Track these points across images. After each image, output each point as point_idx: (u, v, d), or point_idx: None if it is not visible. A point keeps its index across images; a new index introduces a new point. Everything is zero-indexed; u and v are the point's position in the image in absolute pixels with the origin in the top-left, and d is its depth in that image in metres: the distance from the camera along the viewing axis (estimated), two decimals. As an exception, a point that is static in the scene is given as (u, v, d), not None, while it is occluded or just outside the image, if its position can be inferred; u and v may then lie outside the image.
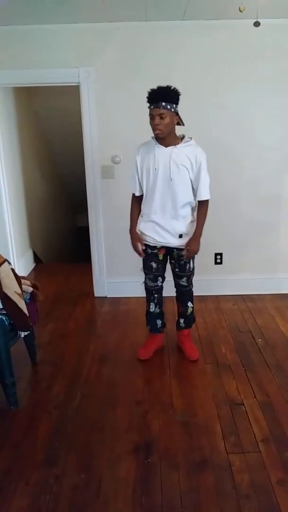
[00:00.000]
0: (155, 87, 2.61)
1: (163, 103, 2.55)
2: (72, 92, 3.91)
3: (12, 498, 1.93)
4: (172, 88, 2.59)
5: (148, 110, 2.63)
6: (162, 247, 2.90)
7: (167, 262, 3.00)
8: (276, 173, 3.88)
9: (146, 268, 2.98)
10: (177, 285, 3.04)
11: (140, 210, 2.94)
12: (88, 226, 4.09)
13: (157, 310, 3.09)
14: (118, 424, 2.41)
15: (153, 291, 3.04)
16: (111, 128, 3.75)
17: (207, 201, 2.81)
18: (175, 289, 3.08)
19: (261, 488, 1.95)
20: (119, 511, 1.86)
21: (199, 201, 2.81)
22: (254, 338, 3.33)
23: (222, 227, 4.00)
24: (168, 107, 2.57)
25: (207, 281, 3.96)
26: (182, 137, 2.75)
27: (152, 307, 3.08)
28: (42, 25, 3.48)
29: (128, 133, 3.67)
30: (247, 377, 2.82)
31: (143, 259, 2.98)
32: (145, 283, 3.04)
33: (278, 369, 2.89)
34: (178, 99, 2.62)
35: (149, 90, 2.61)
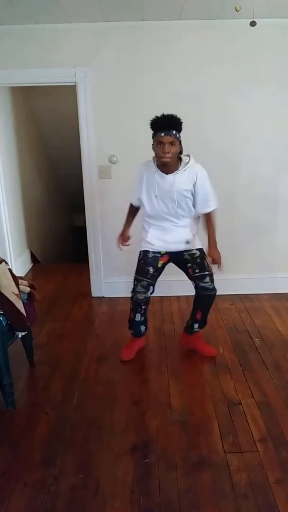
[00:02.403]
0: (160, 115, 2.60)
1: (174, 131, 2.56)
2: (69, 92, 3.91)
3: (10, 499, 1.93)
4: (178, 117, 2.60)
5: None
6: (166, 253, 2.89)
7: (161, 273, 2.95)
8: (272, 173, 3.89)
9: (142, 273, 2.87)
10: (202, 289, 2.92)
11: (134, 216, 3.05)
12: (85, 226, 4.08)
13: (142, 318, 3.04)
14: (116, 424, 2.41)
15: (142, 303, 2.94)
16: (108, 128, 3.75)
17: (214, 211, 2.87)
18: (196, 296, 3.01)
19: (259, 487, 1.95)
20: (117, 511, 1.86)
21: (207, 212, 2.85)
22: (251, 338, 3.33)
23: (219, 227, 3.94)
24: (178, 135, 2.59)
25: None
26: (180, 158, 2.74)
27: (138, 317, 3.01)
28: (39, 25, 3.48)
29: (125, 133, 3.67)
30: (244, 376, 2.83)
31: (140, 264, 2.90)
32: (135, 295, 2.91)
33: (276, 369, 2.90)
34: (181, 128, 2.63)
35: (156, 118, 2.60)
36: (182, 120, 2.61)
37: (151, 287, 2.91)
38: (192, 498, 1.91)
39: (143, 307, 2.99)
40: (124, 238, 3.06)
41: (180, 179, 2.70)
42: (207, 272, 2.90)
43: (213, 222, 2.89)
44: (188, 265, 2.91)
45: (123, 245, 3.06)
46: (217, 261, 2.86)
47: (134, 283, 2.92)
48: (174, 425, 2.39)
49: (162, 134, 2.55)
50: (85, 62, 3.60)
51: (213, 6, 3.20)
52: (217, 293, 4.06)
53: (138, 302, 2.93)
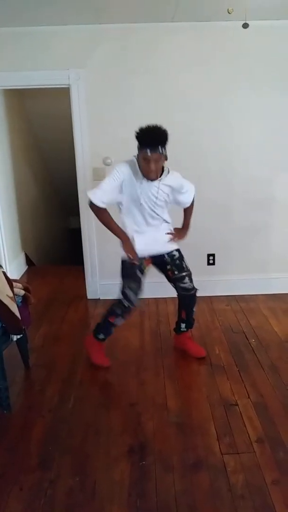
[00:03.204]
0: (145, 127, 2.52)
1: (161, 148, 2.52)
2: (62, 94, 3.90)
3: (7, 503, 1.91)
4: (164, 129, 2.53)
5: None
6: (150, 257, 2.90)
7: (145, 278, 2.91)
8: (267, 175, 3.90)
9: (132, 278, 2.80)
10: (182, 290, 2.93)
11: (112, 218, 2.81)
12: (80, 228, 4.08)
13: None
14: (112, 426, 2.40)
15: (130, 312, 2.86)
16: (102, 130, 3.75)
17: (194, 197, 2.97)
18: (179, 298, 3.03)
19: (256, 488, 1.95)
20: (114, 514, 1.86)
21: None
22: (247, 339, 3.33)
23: (214, 228, 4.01)
24: (163, 151, 2.55)
25: (199, 282, 3.92)
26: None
27: (119, 322, 2.91)
28: (33, 27, 3.48)
29: (119, 135, 3.67)
30: (241, 377, 2.83)
31: (127, 271, 2.82)
32: (129, 302, 2.79)
33: (272, 369, 2.90)
34: (167, 140, 2.57)
35: (142, 132, 2.52)
36: (167, 132, 2.53)
37: (139, 292, 2.85)
38: (189, 500, 1.90)
39: (128, 315, 2.92)
40: (134, 249, 2.81)
41: (163, 188, 2.73)
42: (185, 273, 2.92)
43: (191, 208, 3.03)
44: (168, 267, 2.92)
45: (134, 260, 2.81)
46: (178, 239, 2.98)
47: (124, 290, 2.81)
48: (171, 427, 2.38)
49: (149, 153, 2.50)
50: (78, 64, 3.60)
51: (206, 8, 3.21)
52: (212, 294, 4.09)
53: (127, 310, 2.85)
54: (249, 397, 2.61)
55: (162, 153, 2.54)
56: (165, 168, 2.73)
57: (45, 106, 5.11)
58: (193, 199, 2.98)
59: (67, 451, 2.23)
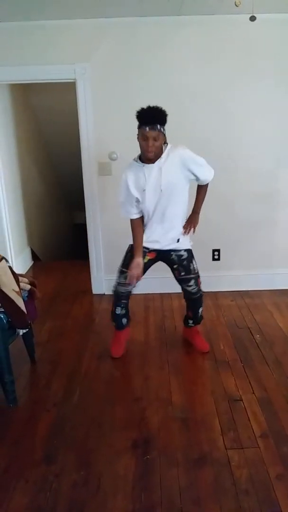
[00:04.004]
0: (145, 107, 2.55)
1: (158, 126, 2.53)
2: (68, 89, 3.89)
3: (12, 496, 1.93)
4: (162, 109, 2.56)
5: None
6: (154, 250, 2.87)
7: (146, 271, 2.91)
8: (272, 169, 3.88)
9: (127, 266, 2.83)
10: (187, 293, 2.96)
11: (142, 233, 2.83)
12: (85, 223, 4.08)
13: (123, 311, 3.03)
14: (117, 421, 2.42)
15: (121, 296, 2.94)
16: (107, 125, 3.74)
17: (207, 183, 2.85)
18: (185, 299, 3.04)
19: (260, 483, 1.95)
20: (118, 507, 1.87)
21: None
22: (252, 334, 3.33)
23: (219, 224, 4.00)
24: (162, 129, 2.56)
25: (204, 278, 3.92)
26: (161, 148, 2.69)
27: (119, 310, 3.01)
28: (38, 21, 3.46)
29: (124, 129, 3.63)
30: (245, 373, 2.83)
31: (127, 257, 2.86)
32: (117, 287, 2.91)
33: (277, 365, 2.90)
34: (166, 121, 2.59)
35: (142, 110, 2.56)
36: (167, 113, 2.56)
37: (134, 281, 2.85)
38: (193, 495, 1.91)
39: (123, 301, 2.98)
40: (139, 269, 2.79)
41: (166, 165, 2.64)
42: (192, 275, 2.90)
43: (205, 191, 2.88)
44: (175, 266, 2.90)
45: (136, 280, 2.82)
46: (193, 226, 2.90)
47: (118, 274, 2.89)
48: (175, 422, 2.39)
49: (147, 129, 2.53)
50: (84, 59, 3.59)
51: (212, 1, 3.18)
52: (217, 290, 4.08)
53: (119, 295, 2.93)
54: (253, 392, 2.61)
55: (161, 130, 2.55)
56: (164, 149, 2.66)
57: (50, 101, 5.10)
58: (206, 185, 2.83)
59: (72, 445, 2.24)
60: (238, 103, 3.71)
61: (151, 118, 2.53)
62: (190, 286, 2.91)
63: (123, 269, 2.87)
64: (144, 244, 2.84)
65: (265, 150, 3.83)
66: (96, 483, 2.00)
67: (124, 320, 3.08)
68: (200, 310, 3.09)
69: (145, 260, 2.86)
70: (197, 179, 2.75)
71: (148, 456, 2.14)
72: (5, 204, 4.21)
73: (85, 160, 3.85)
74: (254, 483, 1.96)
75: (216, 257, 4.12)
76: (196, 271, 2.92)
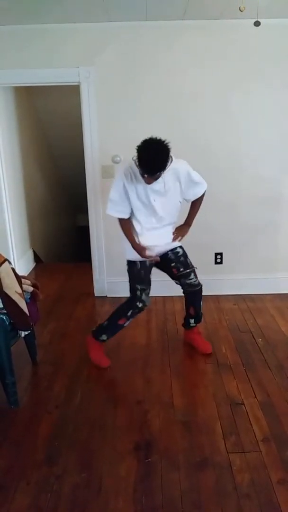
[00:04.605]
0: (146, 150, 2.44)
1: (158, 174, 2.53)
2: (72, 92, 3.91)
3: (13, 497, 1.93)
4: (165, 151, 2.46)
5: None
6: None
7: (150, 273, 2.93)
8: (275, 173, 3.89)
9: (145, 282, 2.83)
10: (188, 286, 2.96)
11: (131, 227, 2.84)
12: (88, 226, 4.09)
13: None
14: (118, 423, 2.42)
15: (140, 311, 2.88)
16: (111, 128, 3.75)
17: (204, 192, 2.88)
18: (185, 294, 3.05)
19: (261, 487, 1.95)
20: (119, 510, 1.86)
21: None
22: (254, 338, 3.33)
23: (222, 227, 4.01)
24: (163, 172, 2.54)
25: (207, 281, 3.92)
26: None
27: (127, 323, 2.92)
28: (43, 25, 3.48)
29: (128, 133, 3.67)
30: (247, 376, 2.82)
31: (141, 275, 2.84)
32: (141, 304, 2.82)
33: (279, 369, 2.90)
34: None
35: (145, 159, 2.44)
36: (169, 148, 2.48)
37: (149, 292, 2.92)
38: (194, 498, 1.91)
39: (138, 314, 2.94)
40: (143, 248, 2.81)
41: (168, 181, 2.69)
42: (189, 269, 2.94)
43: (199, 205, 2.93)
44: (172, 264, 2.92)
45: (154, 257, 2.84)
46: (181, 235, 2.93)
47: (137, 293, 2.83)
48: (177, 425, 2.39)
49: (146, 176, 2.53)
50: (88, 62, 3.61)
51: (217, 6, 3.19)
52: (219, 293, 4.08)
53: (139, 310, 2.87)
54: (255, 396, 2.61)
55: (162, 173, 2.55)
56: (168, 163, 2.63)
57: (54, 104, 5.12)
58: (203, 193, 2.89)
59: (73, 447, 2.24)
60: (242, 108, 3.72)
61: (153, 170, 2.49)
62: (191, 279, 2.95)
63: (143, 287, 2.83)
64: (154, 253, 2.86)
65: (269, 155, 3.84)
66: (98, 485, 1.99)
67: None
68: (201, 304, 3.10)
69: (147, 264, 2.88)
70: (194, 194, 2.83)
71: (149, 459, 2.14)
72: (8, 206, 4.23)
73: (89, 163, 3.87)
74: (255, 487, 1.95)
75: (218, 260, 4.12)
76: (192, 265, 2.97)
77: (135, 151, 2.52)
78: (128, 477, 2.03)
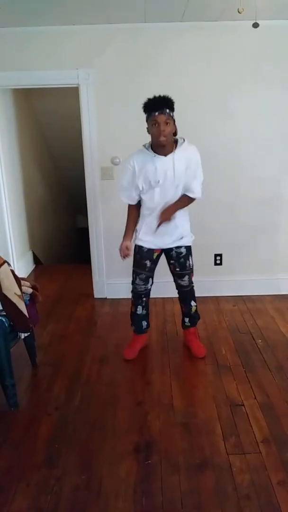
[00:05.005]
0: (151, 96, 2.58)
1: (167, 110, 2.55)
2: (71, 94, 3.92)
3: (13, 499, 1.93)
4: (168, 96, 2.59)
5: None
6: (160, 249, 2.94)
7: (157, 264, 2.99)
8: (274, 174, 3.89)
9: (140, 267, 2.94)
10: (179, 286, 3.04)
11: (136, 219, 2.91)
12: (88, 227, 4.09)
13: (144, 312, 3.10)
14: (118, 424, 2.41)
15: (142, 295, 3.02)
16: (110, 130, 3.76)
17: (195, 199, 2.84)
18: (177, 291, 3.10)
19: (261, 489, 1.95)
20: (119, 511, 1.86)
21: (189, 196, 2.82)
22: (254, 339, 3.33)
23: (222, 228, 4.01)
24: (171, 114, 2.58)
25: (207, 282, 3.97)
26: (175, 140, 2.72)
27: (140, 310, 3.07)
28: (42, 27, 3.49)
29: (127, 135, 3.68)
30: (247, 378, 2.82)
31: (137, 258, 2.94)
32: (135, 287, 3.00)
33: (279, 370, 2.89)
34: (174, 108, 2.63)
35: (150, 98, 2.58)
36: (173, 100, 2.59)
37: (150, 279, 2.99)
38: (194, 499, 1.91)
39: (144, 299, 3.05)
40: (126, 249, 2.89)
41: (179, 159, 2.67)
42: (185, 272, 2.96)
43: (185, 203, 2.83)
44: (172, 261, 2.96)
45: (125, 257, 2.92)
46: (163, 220, 2.80)
47: (133, 276, 2.99)
48: (177, 426, 2.38)
49: (156, 114, 2.53)
50: (87, 64, 3.61)
51: (215, 8, 3.20)
52: (219, 294, 4.08)
53: (139, 294, 3.01)
54: (255, 398, 2.61)
55: (170, 115, 2.56)
56: (179, 140, 2.70)
57: (53, 106, 5.12)
58: (193, 198, 2.81)
59: (73, 448, 2.24)
60: (241, 109, 3.72)
61: (159, 104, 2.55)
62: (183, 280, 3.00)
63: (137, 270, 2.96)
64: (146, 245, 2.89)
65: (268, 155, 3.84)
66: (98, 486, 1.99)
67: (144, 323, 3.13)
68: (193, 304, 3.10)
69: (154, 257, 2.94)
70: (187, 188, 2.76)
71: (149, 460, 2.14)
72: (7, 207, 4.23)
73: (88, 165, 3.87)
74: (255, 488, 1.95)
75: (218, 261, 4.13)
76: (190, 267, 2.97)
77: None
78: (128, 478, 2.03)
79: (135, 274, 2.97)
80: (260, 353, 3.12)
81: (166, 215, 2.79)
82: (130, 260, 3.03)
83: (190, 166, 2.70)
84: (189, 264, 2.96)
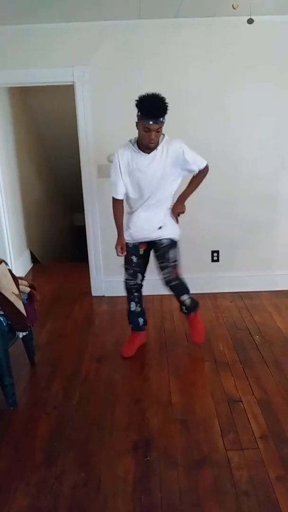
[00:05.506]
0: (146, 95, 2.57)
1: (161, 119, 2.57)
2: (67, 91, 3.91)
3: (13, 498, 1.94)
4: (164, 100, 2.57)
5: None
6: (143, 242, 2.95)
7: (148, 260, 3.02)
8: (271, 171, 3.89)
9: (127, 262, 2.99)
10: (163, 282, 2.97)
11: (123, 214, 2.96)
12: (84, 226, 4.09)
13: (138, 308, 3.11)
14: (117, 422, 2.42)
15: (133, 289, 3.05)
16: (106, 127, 3.75)
17: (207, 166, 2.86)
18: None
19: (260, 484, 1.96)
20: (118, 509, 1.87)
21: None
22: (251, 335, 3.34)
23: (219, 225, 4.01)
24: (164, 120, 2.59)
25: (204, 279, 3.97)
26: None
27: (133, 306, 3.09)
28: (36, 25, 3.48)
29: (123, 132, 3.64)
30: (245, 374, 2.83)
31: (125, 254, 2.98)
32: (125, 282, 3.05)
33: (276, 366, 2.90)
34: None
35: (145, 101, 2.57)
36: (167, 103, 2.58)
37: (139, 275, 3.01)
38: (193, 496, 1.92)
39: (135, 294, 3.07)
40: (123, 247, 2.94)
41: (161, 156, 2.71)
42: (165, 264, 2.92)
43: (199, 181, 2.89)
44: (157, 253, 2.96)
45: (122, 255, 2.98)
46: (179, 213, 2.92)
47: (124, 272, 3.04)
48: (175, 423, 2.39)
49: (151, 122, 2.55)
50: (83, 62, 3.60)
51: (210, 4, 3.19)
52: (216, 291, 4.08)
53: (129, 289, 3.04)
54: (253, 394, 2.62)
55: (163, 122, 2.59)
56: (160, 140, 2.72)
57: (49, 104, 5.11)
58: (206, 169, 2.86)
59: (72, 447, 2.25)
60: (238, 105, 3.72)
61: (155, 113, 2.55)
62: (165, 273, 2.93)
63: (126, 266, 3.01)
64: (132, 239, 2.92)
65: (265, 152, 3.84)
66: (96, 484, 2.00)
67: (141, 320, 3.15)
68: (185, 297, 3.04)
69: (141, 253, 2.96)
70: (190, 171, 2.83)
71: (148, 458, 2.15)
72: (4, 206, 4.22)
73: (84, 163, 3.86)
74: (254, 484, 1.96)
75: (215, 258, 4.13)
76: (173, 260, 2.93)
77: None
78: (127, 476, 2.04)
79: (124, 269, 3.03)
80: (257, 349, 3.13)
81: (180, 207, 2.90)
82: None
83: (179, 157, 2.73)
84: (172, 256, 2.91)
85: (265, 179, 3.90)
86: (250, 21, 2.47)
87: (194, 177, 2.90)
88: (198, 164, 2.81)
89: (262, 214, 3.99)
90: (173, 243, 2.93)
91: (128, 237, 2.93)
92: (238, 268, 4.15)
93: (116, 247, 2.96)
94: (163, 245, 2.90)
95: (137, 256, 2.96)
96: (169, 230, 2.90)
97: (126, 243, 2.94)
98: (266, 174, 3.89)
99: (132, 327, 3.17)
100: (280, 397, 2.58)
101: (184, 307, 3.13)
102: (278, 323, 3.53)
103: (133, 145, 2.75)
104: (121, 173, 2.78)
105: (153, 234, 2.89)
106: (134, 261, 2.97)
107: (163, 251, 2.90)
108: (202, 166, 2.84)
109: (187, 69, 3.62)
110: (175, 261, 2.94)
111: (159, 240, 2.91)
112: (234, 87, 3.67)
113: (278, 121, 3.76)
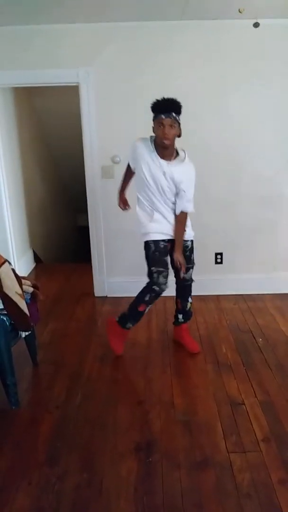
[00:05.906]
0: (160, 98, 2.66)
1: (174, 114, 2.63)
2: (71, 92, 3.91)
3: (15, 498, 1.94)
4: (176, 99, 2.67)
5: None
6: (169, 241, 2.93)
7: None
8: (275, 172, 3.89)
9: (161, 264, 2.83)
10: (180, 278, 3.00)
11: (131, 178, 3.05)
12: (88, 226, 4.09)
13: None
14: (119, 423, 2.42)
15: (160, 294, 2.88)
16: (111, 128, 3.75)
17: (186, 214, 2.88)
18: (176, 286, 3.09)
19: (262, 487, 1.95)
20: (121, 509, 1.87)
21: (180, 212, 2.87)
22: (254, 338, 3.33)
23: (222, 227, 4.01)
24: (178, 118, 2.66)
25: (207, 281, 3.97)
26: (177, 150, 2.80)
27: (147, 309, 2.98)
28: (42, 26, 3.49)
29: (127, 133, 3.66)
30: (247, 376, 2.83)
31: (156, 256, 2.85)
32: (159, 286, 2.81)
33: (279, 369, 2.90)
34: (181, 111, 2.70)
35: (157, 101, 2.66)
36: (181, 104, 2.67)
37: (168, 275, 2.90)
38: (195, 498, 1.91)
39: (155, 300, 2.98)
40: (124, 201, 3.15)
41: (171, 170, 2.74)
42: (190, 265, 2.99)
43: (183, 225, 2.90)
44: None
45: (125, 209, 3.14)
46: (181, 264, 2.89)
47: (154, 276, 2.82)
48: (178, 425, 2.39)
49: (163, 117, 2.62)
50: (87, 63, 3.61)
51: (215, 7, 3.19)
52: (219, 293, 4.08)
53: (159, 293, 2.88)
54: (256, 396, 2.61)
55: (176, 119, 2.64)
56: (180, 153, 2.78)
57: (54, 104, 5.12)
58: (183, 215, 2.86)
59: (74, 447, 2.25)
60: (242, 108, 3.72)
61: (166, 107, 2.63)
62: (188, 274, 3.01)
63: (160, 269, 2.83)
64: (161, 237, 2.90)
65: (268, 154, 3.84)
66: (99, 485, 2.00)
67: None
68: (190, 300, 3.11)
69: (161, 246, 2.92)
70: (173, 202, 2.86)
71: (150, 459, 2.14)
72: (7, 206, 4.23)
73: (88, 163, 3.87)
74: (256, 487, 1.96)
75: (219, 260, 4.13)
76: (194, 262, 3.03)
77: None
78: (129, 477, 2.04)
79: (157, 273, 2.82)
80: (260, 351, 3.13)
81: (180, 255, 2.88)
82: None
83: (183, 181, 2.76)
84: (193, 258, 3.02)
85: (269, 181, 3.90)
86: (256, 25, 2.49)
87: (177, 223, 2.89)
88: (184, 202, 2.81)
89: (266, 216, 3.99)
90: (193, 244, 3.01)
91: (161, 235, 2.88)
92: (241, 270, 4.14)
93: (119, 205, 3.15)
94: (188, 248, 2.98)
95: (167, 254, 2.92)
96: (190, 231, 2.97)
97: (158, 243, 2.87)
98: (270, 176, 3.89)
99: (130, 326, 3.08)
100: (283, 400, 2.57)
101: (181, 315, 3.16)
102: (281, 325, 3.53)
103: (151, 142, 2.78)
104: (135, 158, 2.83)
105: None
106: (168, 261, 2.91)
107: (188, 253, 2.98)
108: (184, 209, 2.84)
109: (192, 70, 3.63)
110: (194, 262, 3.05)
111: (185, 242, 2.94)
112: (239, 90, 3.67)
113: (282, 123, 3.76)
